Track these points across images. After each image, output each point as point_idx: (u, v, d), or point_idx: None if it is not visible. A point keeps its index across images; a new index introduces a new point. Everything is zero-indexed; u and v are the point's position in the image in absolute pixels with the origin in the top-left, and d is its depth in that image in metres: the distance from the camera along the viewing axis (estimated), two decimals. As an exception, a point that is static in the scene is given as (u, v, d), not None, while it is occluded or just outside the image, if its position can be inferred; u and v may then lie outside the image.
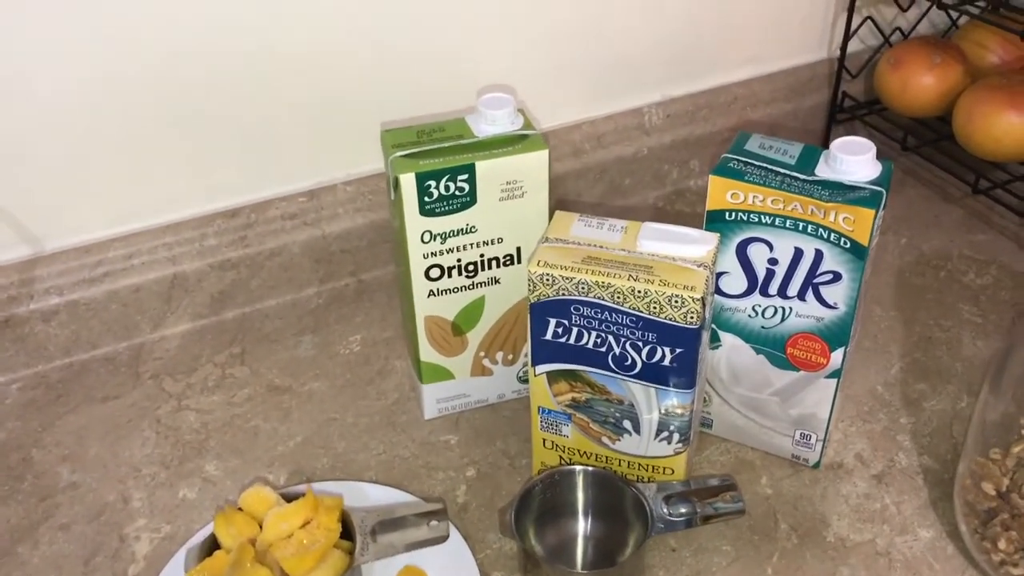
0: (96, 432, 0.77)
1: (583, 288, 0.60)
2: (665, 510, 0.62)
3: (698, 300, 0.58)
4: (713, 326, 0.68)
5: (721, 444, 0.74)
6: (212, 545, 0.60)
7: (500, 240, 0.69)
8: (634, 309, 0.60)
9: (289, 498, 0.62)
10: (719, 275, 0.66)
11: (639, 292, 0.59)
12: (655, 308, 0.59)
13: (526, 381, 0.78)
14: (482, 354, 0.75)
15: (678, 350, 0.60)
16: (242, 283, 0.88)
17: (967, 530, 0.64)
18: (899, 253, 0.94)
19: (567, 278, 0.60)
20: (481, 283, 0.71)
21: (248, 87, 0.81)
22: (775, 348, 0.67)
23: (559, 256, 0.61)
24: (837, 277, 0.62)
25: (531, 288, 0.61)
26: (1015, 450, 0.61)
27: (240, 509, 0.61)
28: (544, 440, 0.69)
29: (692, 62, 1.01)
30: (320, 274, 0.91)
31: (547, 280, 0.61)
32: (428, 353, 0.73)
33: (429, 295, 0.70)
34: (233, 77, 0.80)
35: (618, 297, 0.60)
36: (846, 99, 1.07)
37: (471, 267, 0.70)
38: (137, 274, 0.83)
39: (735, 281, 0.66)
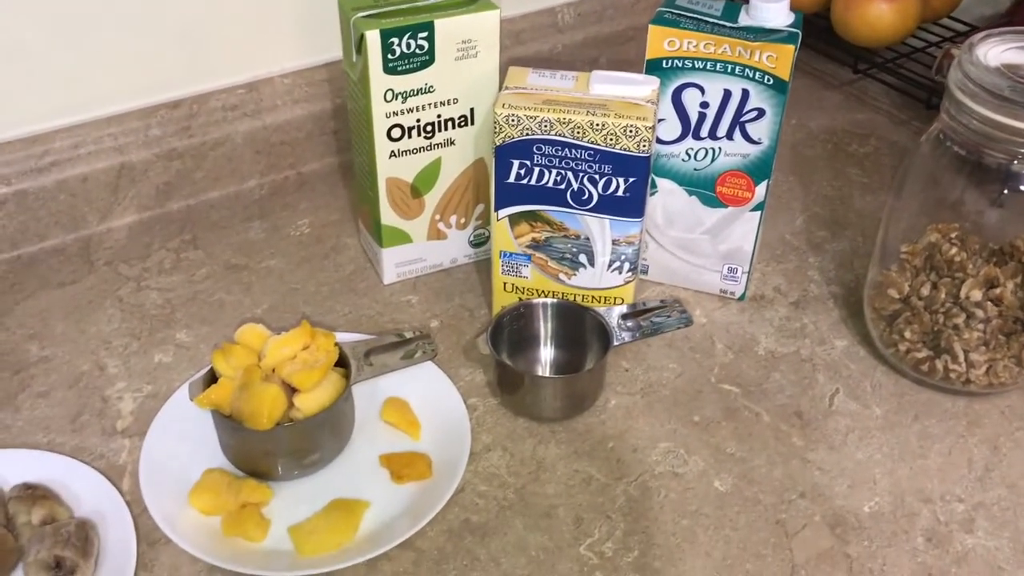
0: (59, 313, 0.79)
1: (546, 126, 0.66)
2: (622, 324, 0.70)
3: (650, 128, 0.65)
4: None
5: (656, 288, 0.82)
6: (211, 380, 0.63)
7: (455, 100, 0.75)
8: (592, 143, 0.66)
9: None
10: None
11: (597, 125, 0.66)
12: (611, 139, 0.66)
13: (478, 245, 0.83)
14: (437, 217, 0.80)
15: (631, 179, 0.67)
16: (187, 174, 0.90)
17: (876, 333, 0.74)
18: (791, 132, 1.04)
19: (531, 117, 0.66)
20: (438, 144, 0.76)
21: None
22: (706, 188, 0.75)
23: (521, 100, 0.67)
24: (761, 113, 0.71)
25: (496, 131, 0.67)
26: (917, 247, 0.70)
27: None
28: (505, 284, 0.75)
29: (597, -34, 1.08)
30: (261, 166, 0.94)
31: (512, 121, 0.67)
32: (389, 216, 0.78)
33: (391, 156, 0.75)
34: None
35: (578, 132, 0.66)
36: None
37: (429, 128, 0.75)
38: (85, 164, 0.84)
39: (670, 127, 0.74)
